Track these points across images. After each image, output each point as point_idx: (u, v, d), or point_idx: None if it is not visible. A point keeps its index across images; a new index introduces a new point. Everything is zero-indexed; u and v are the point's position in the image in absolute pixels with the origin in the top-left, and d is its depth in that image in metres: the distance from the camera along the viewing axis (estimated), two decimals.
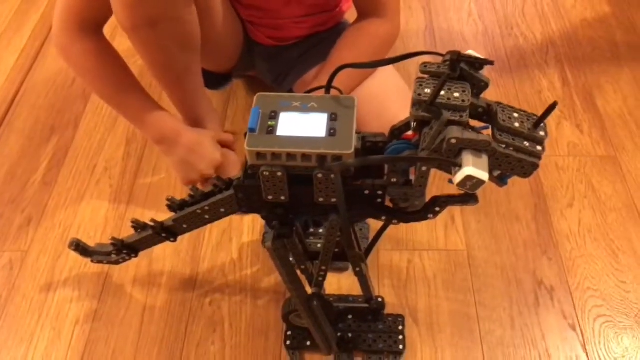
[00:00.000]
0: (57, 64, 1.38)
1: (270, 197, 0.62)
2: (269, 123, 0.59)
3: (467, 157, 0.51)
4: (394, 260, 0.98)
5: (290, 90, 1.07)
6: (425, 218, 0.64)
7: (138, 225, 0.80)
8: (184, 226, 0.75)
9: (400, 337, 0.86)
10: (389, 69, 1.00)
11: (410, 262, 0.98)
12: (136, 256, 0.86)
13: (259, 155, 0.58)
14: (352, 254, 0.71)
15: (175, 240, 0.79)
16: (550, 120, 1.20)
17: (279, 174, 0.59)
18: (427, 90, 0.55)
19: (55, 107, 1.28)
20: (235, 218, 1.04)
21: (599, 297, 0.92)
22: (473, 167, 0.50)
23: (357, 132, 0.60)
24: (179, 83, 0.93)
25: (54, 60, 1.39)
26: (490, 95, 0.57)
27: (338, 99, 0.61)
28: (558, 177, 1.09)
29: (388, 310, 0.87)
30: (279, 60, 1.06)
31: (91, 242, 0.89)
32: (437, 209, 0.63)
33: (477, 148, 0.52)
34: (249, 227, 1.03)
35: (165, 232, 0.77)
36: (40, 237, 1.05)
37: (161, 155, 1.16)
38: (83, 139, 1.21)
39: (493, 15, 1.45)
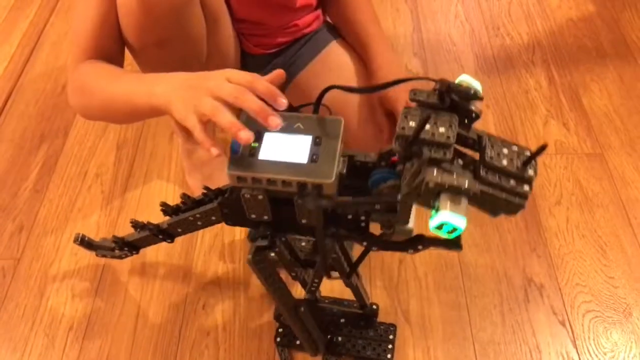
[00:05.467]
0: (46, 71, 1.38)
1: (253, 216, 0.62)
2: (252, 145, 0.58)
3: (445, 202, 0.48)
4: (385, 261, 0.99)
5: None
6: (405, 251, 0.62)
7: (137, 225, 0.81)
8: (179, 230, 0.76)
9: (390, 346, 0.86)
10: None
11: (401, 262, 0.98)
12: (137, 252, 0.87)
13: (240, 178, 0.58)
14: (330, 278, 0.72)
15: (172, 241, 0.80)
16: (537, 119, 1.21)
17: (260, 197, 0.59)
18: (412, 124, 0.51)
19: (45, 114, 1.28)
20: None
21: (587, 292, 0.94)
22: (450, 212, 0.47)
23: (345, 155, 0.59)
24: None
25: (43, 68, 1.39)
26: None
27: (324, 121, 0.59)
28: (546, 175, 1.10)
29: (380, 311, 0.88)
30: (269, 69, 1.07)
31: (82, 250, 0.90)
32: (420, 247, 0.61)
33: (457, 193, 0.49)
34: (241, 229, 1.04)
35: (161, 234, 0.78)
36: (32, 244, 1.05)
37: (152, 161, 1.16)
38: (74, 146, 1.21)
39: (479, 16, 1.46)
